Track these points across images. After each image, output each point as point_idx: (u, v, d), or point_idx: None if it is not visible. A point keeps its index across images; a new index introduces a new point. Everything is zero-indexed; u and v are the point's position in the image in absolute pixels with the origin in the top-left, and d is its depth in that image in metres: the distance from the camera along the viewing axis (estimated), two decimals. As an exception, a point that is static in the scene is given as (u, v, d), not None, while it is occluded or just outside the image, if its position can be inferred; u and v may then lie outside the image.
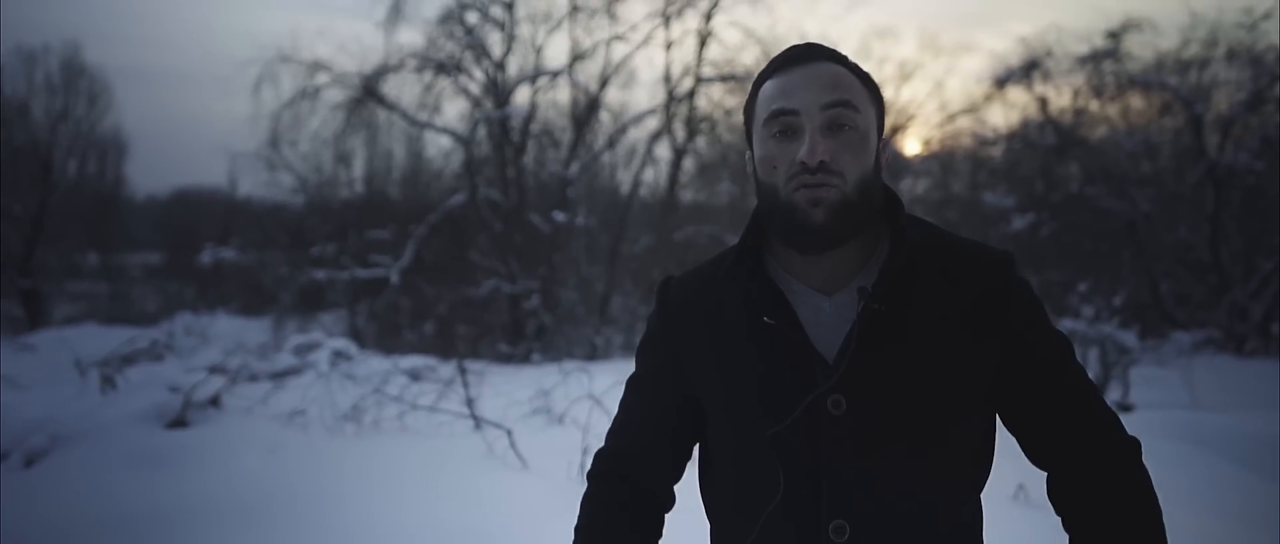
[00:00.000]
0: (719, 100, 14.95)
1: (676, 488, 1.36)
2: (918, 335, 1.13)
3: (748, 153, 1.23)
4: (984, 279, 1.16)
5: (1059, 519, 1.21)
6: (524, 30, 15.23)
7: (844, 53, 1.19)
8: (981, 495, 1.24)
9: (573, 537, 1.31)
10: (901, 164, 16.17)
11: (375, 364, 7.59)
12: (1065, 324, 8.09)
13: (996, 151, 15.53)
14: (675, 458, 1.31)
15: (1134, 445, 1.19)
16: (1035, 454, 1.22)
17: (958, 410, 1.15)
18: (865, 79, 1.18)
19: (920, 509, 1.14)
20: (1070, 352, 1.20)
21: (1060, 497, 1.21)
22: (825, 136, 1.11)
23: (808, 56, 1.16)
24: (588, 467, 4.53)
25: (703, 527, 1.34)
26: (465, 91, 15.15)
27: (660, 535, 1.33)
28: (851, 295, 1.16)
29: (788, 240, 1.15)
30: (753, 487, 1.18)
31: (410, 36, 33.06)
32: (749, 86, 1.24)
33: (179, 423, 5.37)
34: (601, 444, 1.37)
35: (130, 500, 4.13)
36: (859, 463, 1.12)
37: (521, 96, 15.03)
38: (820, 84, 1.13)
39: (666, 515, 1.35)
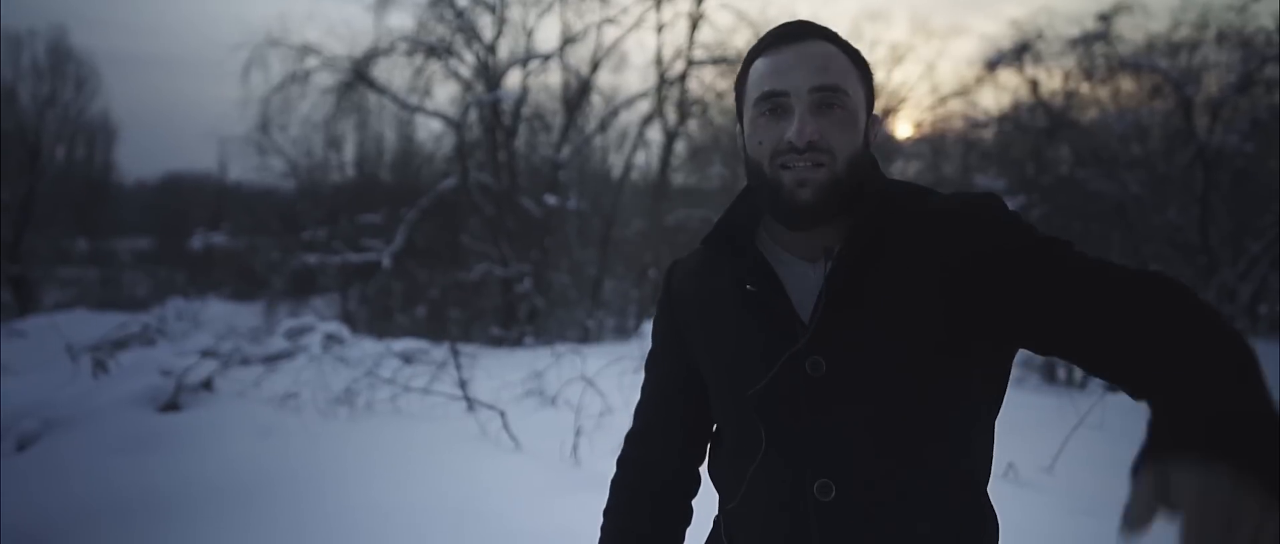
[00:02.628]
0: (711, 83, 14.94)
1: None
2: (890, 294, 1.13)
3: (738, 128, 1.25)
4: (966, 221, 1.13)
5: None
6: (515, 13, 15.21)
7: (835, 31, 1.20)
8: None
9: (602, 520, 1.37)
10: (893, 146, 16.19)
11: (368, 347, 7.59)
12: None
13: (987, 134, 15.56)
14: (690, 435, 1.35)
15: (1171, 278, 1.02)
16: (1070, 348, 1.04)
17: (940, 366, 1.13)
18: (856, 58, 1.19)
19: (908, 462, 1.13)
20: (1062, 243, 1.09)
21: (1110, 363, 1.01)
22: (814, 116, 1.13)
23: (798, 35, 1.17)
24: (580, 447, 4.56)
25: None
26: (456, 75, 15.10)
27: (688, 521, 1.37)
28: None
29: (775, 217, 1.18)
30: (740, 447, 1.22)
31: (400, 19, 32.88)
32: (741, 66, 1.25)
33: (171, 407, 5.38)
34: (620, 425, 1.41)
35: (123, 484, 4.13)
36: (839, 422, 1.14)
37: (512, 80, 14.99)
38: (810, 66, 1.14)
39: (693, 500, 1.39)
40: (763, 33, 1.24)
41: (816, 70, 1.13)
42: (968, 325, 1.12)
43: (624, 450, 1.40)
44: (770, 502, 1.19)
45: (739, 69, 1.24)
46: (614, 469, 1.41)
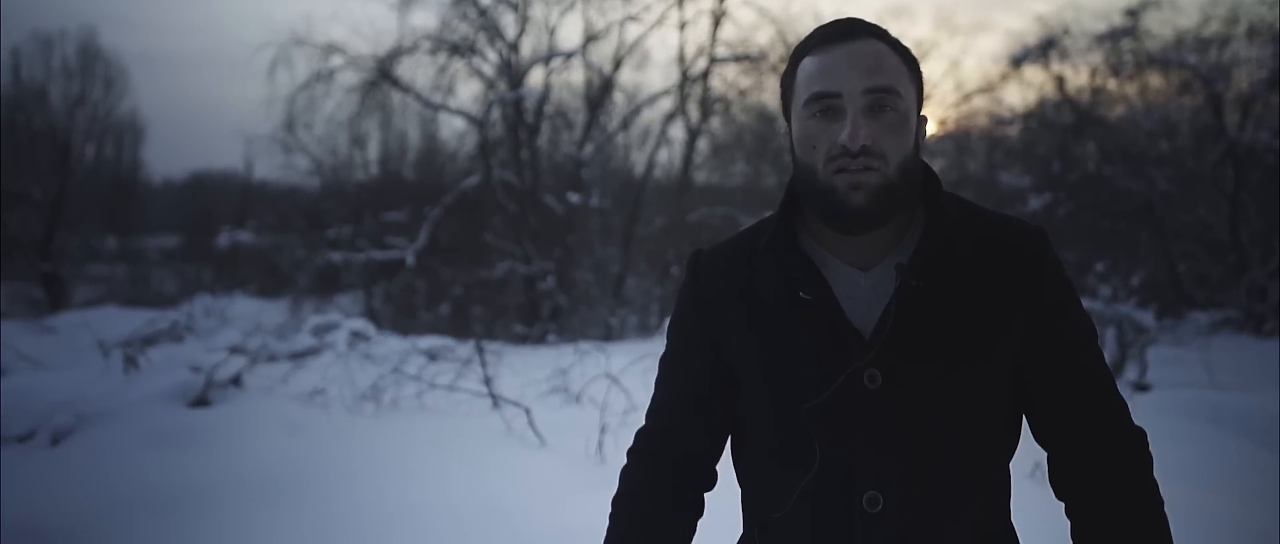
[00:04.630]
0: (733, 81, 14.90)
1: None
2: (953, 312, 1.14)
3: (785, 126, 1.22)
4: (1018, 255, 1.17)
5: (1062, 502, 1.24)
6: (537, 11, 15.18)
7: (887, 29, 1.18)
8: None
9: (611, 507, 1.30)
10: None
11: (393, 344, 7.64)
12: (1083, 304, 8.04)
13: (1013, 131, 15.42)
14: (713, 435, 1.29)
15: (1140, 434, 1.21)
16: (1041, 432, 1.24)
17: (989, 384, 1.17)
18: (906, 57, 1.17)
19: (952, 479, 1.16)
20: (1093, 336, 1.22)
21: (1062, 479, 1.23)
22: (867, 119, 1.11)
23: (850, 33, 1.14)
24: (605, 444, 4.57)
25: (727, 493, 1.36)
26: (479, 73, 15.15)
27: (701, 513, 1.31)
28: (888, 271, 1.16)
29: (827, 221, 1.16)
30: (787, 459, 1.19)
31: (423, 18, 33.06)
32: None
33: (201, 402, 5.44)
34: (640, 424, 1.36)
35: (155, 478, 4.19)
36: (893, 435, 1.14)
37: (535, 78, 15.02)
38: (863, 66, 1.11)
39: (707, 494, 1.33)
40: (785, 31, 1.23)
41: (869, 71, 1.11)
42: (1007, 358, 1.18)
43: (640, 443, 1.32)
44: (819, 513, 1.18)
45: (786, 66, 1.22)
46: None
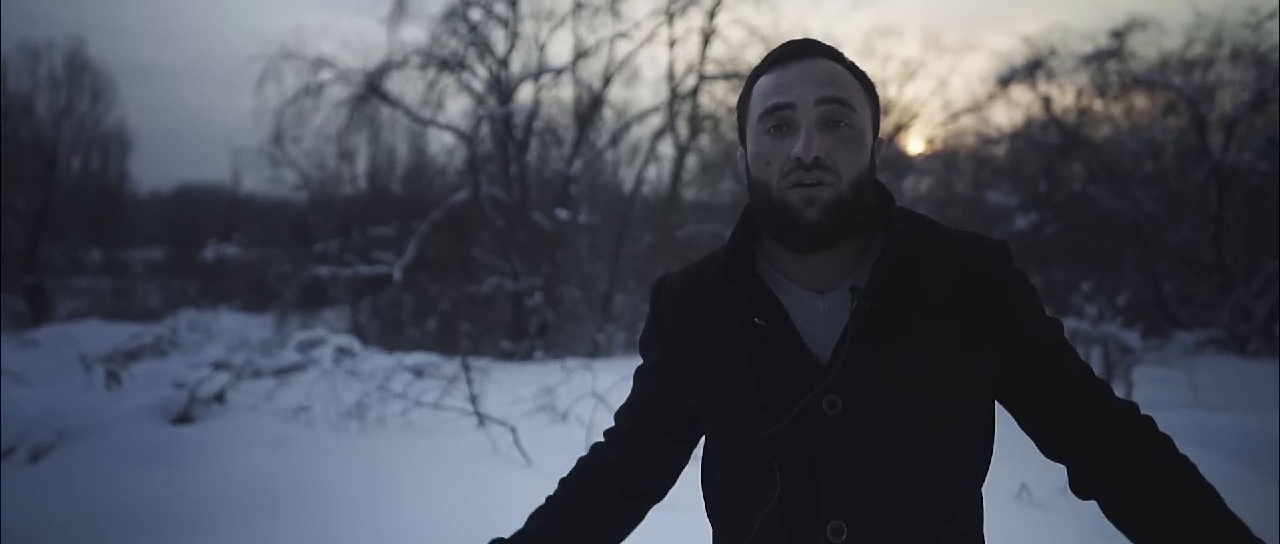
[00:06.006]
0: (722, 98, 14.95)
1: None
2: (912, 333, 1.12)
3: (739, 150, 1.22)
4: (981, 273, 1.15)
5: (1071, 516, 1.21)
6: (527, 27, 15.23)
7: (841, 51, 1.18)
8: (983, 491, 1.23)
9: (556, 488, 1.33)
10: (904, 163, 16.16)
11: (379, 361, 7.60)
12: (1068, 324, 8.09)
13: (1000, 151, 15.52)
14: (666, 454, 1.31)
15: (1150, 420, 1.19)
16: (1053, 447, 1.18)
17: (955, 407, 1.14)
18: (861, 77, 1.17)
19: (919, 507, 1.13)
20: (1061, 332, 1.19)
21: (1096, 486, 1.16)
22: (821, 133, 1.10)
23: (804, 52, 1.15)
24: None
25: (703, 528, 1.35)
26: (468, 89, 15.17)
27: (630, 521, 1.32)
28: (845, 294, 1.14)
29: (780, 239, 1.14)
30: (749, 488, 1.17)
31: (414, 33, 33.11)
32: (744, 85, 1.24)
33: (184, 419, 5.39)
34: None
35: (136, 496, 4.14)
36: (856, 463, 1.12)
37: (525, 94, 15.05)
38: (816, 79, 1.12)
39: (651, 509, 1.34)
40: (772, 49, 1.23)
41: (823, 83, 1.12)
42: (975, 379, 1.15)
43: (597, 445, 1.36)
44: (780, 541, 1.15)
45: (743, 88, 1.22)
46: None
